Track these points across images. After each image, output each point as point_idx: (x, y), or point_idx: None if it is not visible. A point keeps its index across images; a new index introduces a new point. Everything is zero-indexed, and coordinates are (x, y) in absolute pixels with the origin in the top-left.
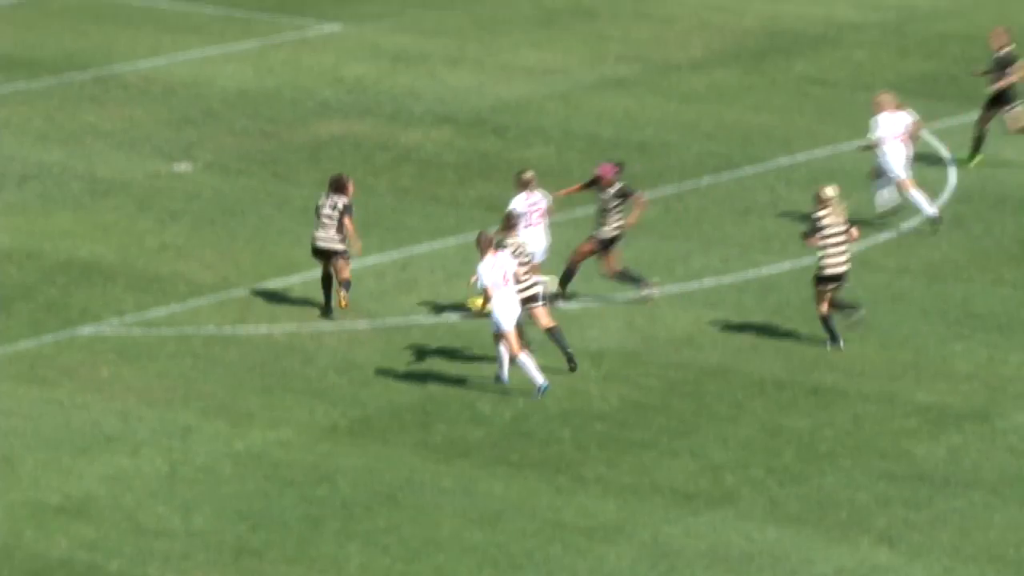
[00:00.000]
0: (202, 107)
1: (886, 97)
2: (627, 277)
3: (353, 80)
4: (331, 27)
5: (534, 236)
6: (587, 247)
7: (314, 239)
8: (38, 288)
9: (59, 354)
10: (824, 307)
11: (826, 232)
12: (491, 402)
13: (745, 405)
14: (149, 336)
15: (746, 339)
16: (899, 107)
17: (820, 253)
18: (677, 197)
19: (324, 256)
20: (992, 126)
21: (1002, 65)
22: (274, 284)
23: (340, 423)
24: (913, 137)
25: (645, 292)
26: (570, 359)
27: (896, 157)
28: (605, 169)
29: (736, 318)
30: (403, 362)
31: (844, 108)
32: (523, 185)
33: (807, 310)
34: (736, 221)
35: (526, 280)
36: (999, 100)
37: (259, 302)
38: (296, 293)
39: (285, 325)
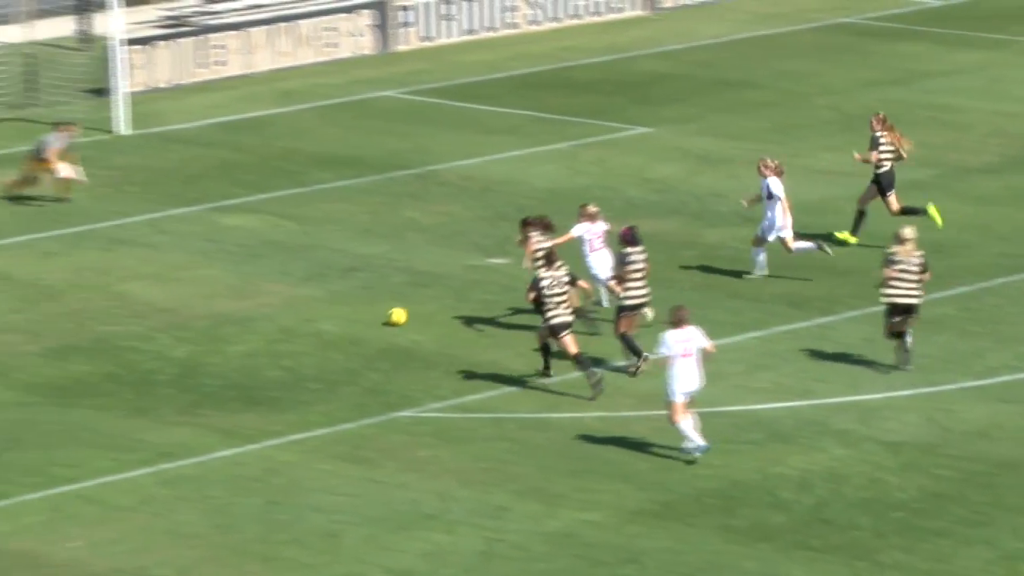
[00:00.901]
0: (516, 204)
1: (771, 162)
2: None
3: (659, 180)
4: (639, 130)
5: (601, 259)
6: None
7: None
8: (361, 373)
9: (380, 435)
10: (889, 332)
11: (897, 267)
12: (792, 489)
13: None
14: (466, 420)
15: None
16: (781, 173)
17: (889, 284)
18: (973, 296)
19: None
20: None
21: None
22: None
23: (647, 506)
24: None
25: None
26: (596, 386)
27: (782, 218)
28: (623, 231)
29: None
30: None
31: None
32: (588, 217)
33: None
34: None
35: (563, 307)
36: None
37: (570, 390)
38: (604, 382)
39: (594, 412)
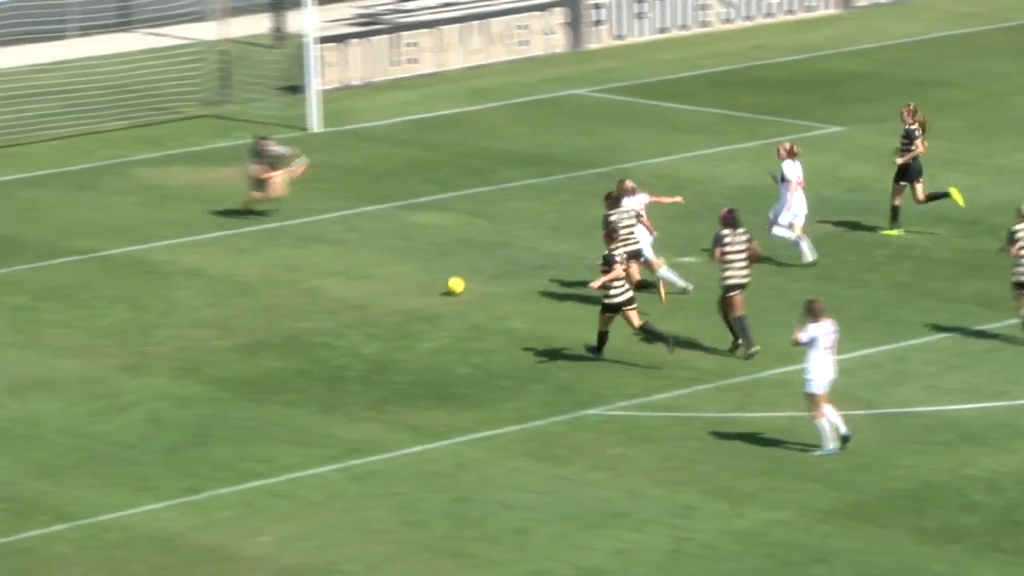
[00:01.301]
0: (706, 203)
1: (788, 145)
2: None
3: (852, 179)
4: (832, 129)
5: (641, 234)
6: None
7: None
8: (551, 371)
9: (570, 433)
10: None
11: (1022, 243)
12: (983, 490)
13: None
14: (655, 419)
15: None
16: (797, 156)
17: (1018, 260)
18: None
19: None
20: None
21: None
22: (773, 372)
23: (837, 506)
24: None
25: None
26: (667, 342)
27: (798, 202)
28: (723, 213)
29: None
30: (898, 449)
31: None
32: (628, 192)
33: None
34: None
35: (620, 287)
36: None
37: (760, 389)
38: (795, 382)
39: (784, 411)
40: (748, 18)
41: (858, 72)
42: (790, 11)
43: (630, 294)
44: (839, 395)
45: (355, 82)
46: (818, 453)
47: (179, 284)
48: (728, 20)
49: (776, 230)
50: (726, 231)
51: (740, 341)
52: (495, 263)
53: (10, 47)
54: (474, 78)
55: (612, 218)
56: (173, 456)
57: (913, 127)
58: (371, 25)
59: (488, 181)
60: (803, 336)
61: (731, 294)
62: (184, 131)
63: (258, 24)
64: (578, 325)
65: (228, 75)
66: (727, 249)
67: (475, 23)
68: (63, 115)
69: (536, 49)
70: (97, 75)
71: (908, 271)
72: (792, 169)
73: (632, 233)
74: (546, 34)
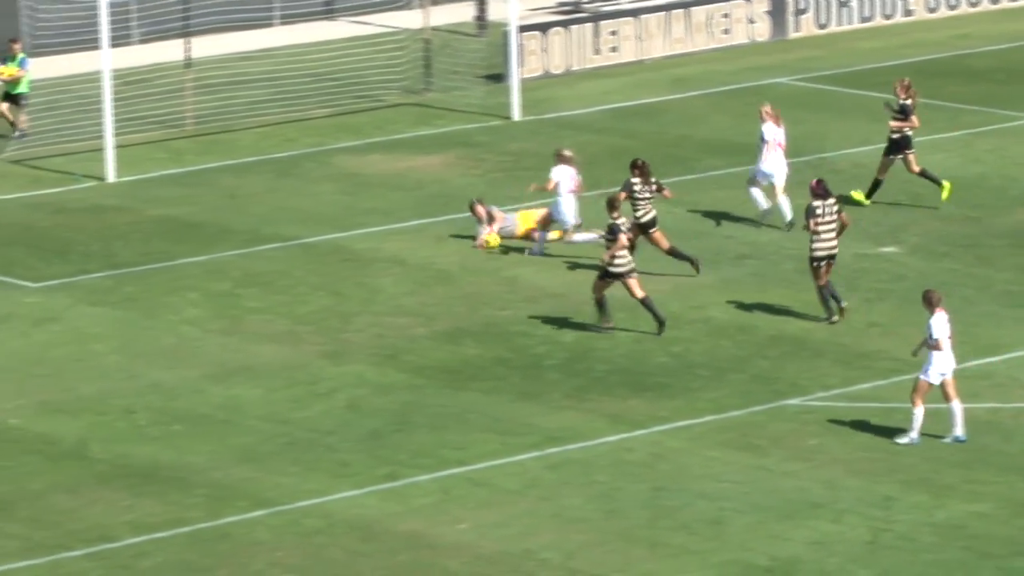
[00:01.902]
0: (908, 192)
1: (770, 109)
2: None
3: None
4: None
5: (570, 203)
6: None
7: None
8: (750, 360)
9: (768, 423)
10: None
11: None
12: None
13: None
14: (854, 409)
15: None
16: (779, 121)
17: None
18: None
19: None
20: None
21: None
22: (976, 363)
23: None
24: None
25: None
26: (661, 324)
27: (773, 164)
28: (812, 183)
29: None
30: None
31: None
32: (564, 160)
33: None
34: None
35: (624, 256)
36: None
37: (960, 380)
38: (998, 373)
39: (986, 403)
40: (952, 7)
41: None
42: (994, 0)
43: (633, 264)
44: None
45: (556, 70)
46: (903, 440)
47: (379, 272)
48: (932, 9)
49: (753, 191)
50: (817, 202)
51: (834, 307)
52: (695, 252)
53: (217, 35)
54: (675, 67)
55: (636, 188)
56: (372, 443)
57: (907, 102)
58: (573, 14)
59: (689, 170)
60: (936, 334)
61: (819, 264)
62: (386, 119)
63: (461, 12)
64: (779, 315)
65: (430, 63)
66: (819, 220)
67: (677, 12)
68: (268, 102)
69: (738, 38)
70: (302, 63)
71: None
72: (771, 131)
73: (649, 204)
74: (749, 22)
